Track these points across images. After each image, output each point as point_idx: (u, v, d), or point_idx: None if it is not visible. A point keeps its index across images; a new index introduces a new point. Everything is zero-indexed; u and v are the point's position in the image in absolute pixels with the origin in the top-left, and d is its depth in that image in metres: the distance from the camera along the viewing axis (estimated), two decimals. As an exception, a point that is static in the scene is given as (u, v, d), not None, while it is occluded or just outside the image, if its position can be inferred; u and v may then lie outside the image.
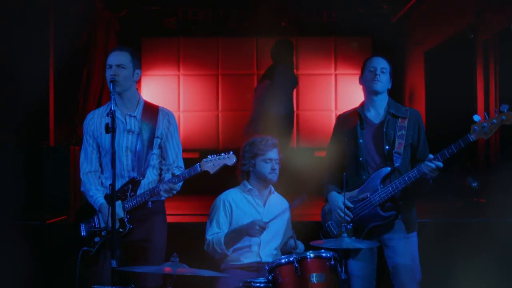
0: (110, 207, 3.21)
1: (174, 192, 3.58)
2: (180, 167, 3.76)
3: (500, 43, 6.40)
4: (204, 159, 3.59)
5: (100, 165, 3.73)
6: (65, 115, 7.34)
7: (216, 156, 3.59)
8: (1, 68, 6.26)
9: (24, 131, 6.39)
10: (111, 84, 3.52)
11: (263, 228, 3.75)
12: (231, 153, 3.61)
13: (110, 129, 3.25)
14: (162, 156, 3.76)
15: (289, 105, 7.98)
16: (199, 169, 3.57)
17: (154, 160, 3.71)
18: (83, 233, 3.65)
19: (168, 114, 3.80)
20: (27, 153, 5.83)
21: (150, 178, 3.69)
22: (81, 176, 3.73)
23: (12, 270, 4.82)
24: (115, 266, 3.15)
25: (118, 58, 3.62)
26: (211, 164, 3.57)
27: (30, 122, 6.49)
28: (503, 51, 6.37)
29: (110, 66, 3.60)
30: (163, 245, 3.74)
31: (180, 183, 3.62)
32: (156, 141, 3.70)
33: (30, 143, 6.31)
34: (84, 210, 3.72)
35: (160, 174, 3.77)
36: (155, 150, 3.71)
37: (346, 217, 3.63)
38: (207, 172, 3.59)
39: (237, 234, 3.83)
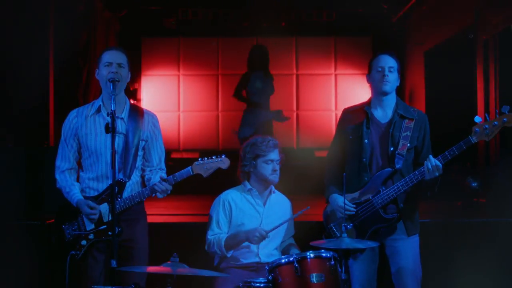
0: (109, 208, 3.20)
1: (168, 192, 3.55)
2: (163, 169, 3.74)
3: (500, 43, 6.39)
4: (196, 162, 3.54)
5: (78, 164, 3.68)
6: (65, 115, 7.33)
7: (208, 159, 3.54)
8: (1, 68, 6.26)
9: (24, 131, 6.39)
10: (111, 84, 3.43)
11: (263, 238, 3.74)
12: (223, 156, 3.57)
13: (110, 129, 3.22)
14: (145, 158, 3.72)
15: (267, 112, 8.04)
16: (191, 172, 3.54)
17: (138, 161, 3.67)
18: (67, 236, 3.57)
19: (153, 117, 3.75)
20: (27, 153, 5.83)
21: (133, 179, 3.65)
22: (56, 175, 3.66)
23: (12, 270, 4.82)
24: (115, 266, 3.14)
25: (118, 57, 3.56)
26: (204, 167, 3.53)
27: (30, 122, 6.49)
28: (503, 51, 6.37)
29: (110, 64, 3.53)
30: (146, 244, 3.72)
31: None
32: (141, 144, 3.66)
33: (30, 143, 6.31)
34: (65, 211, 3.63)
35: (142, 176, 3.74)
36: (140, 152, 3.67)
37: (349, 212, 3.62)
38: (200, 175, 3.56)
39: (238, 239, 3.83)
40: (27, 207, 5.65)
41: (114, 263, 3.14)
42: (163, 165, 3.76)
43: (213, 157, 3.55)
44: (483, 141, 6.29)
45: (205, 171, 3.54)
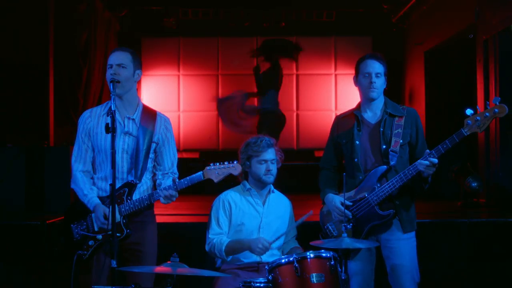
0: (109, 208, 3.19)
1: (174, 199, 3.52)
2: (175, 173, 3.72)
3: (500, 43, 6.40)
4: (208, 167, 3.50)
5: (93, 165, 3.68)
6: (65, 115, 7.35)
7: (220, 164, 3.50)
8: (1, 68, 6.28)
9: (24, 131, 6.40)
10: (111, 84, 3.47)
11: (266, 249, 3.73)
12: (235, 162, 3.52)
13: (110, 129, 3.22)
14: (157, 162, 3.71)
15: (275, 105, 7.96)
16: (202, 177, 3.51)
17: (149, 164, 3.67)
18: (75, 235, 3.57)
19: (166, 120, 3.75)
20: (27, 153, 5.83)
21: (144, 182, 3.64)
22: (74, 172, 3.62)
23: (12, 270, 4.83)
24: (115, 266, 3.14)
25: (118, 58, 3.58)
26: (216, 172, 3.49)
27: (30, 122, 6.50)
28: (503, 51, 6.37)
29: (111, 66, 3.55)
30: (155, 248, 3.71)
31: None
32: (153, 146, 3.66)
33: (30, 143, 6.32)
34: (75, 210, 3.63)
35: (154, 180, 3.72)
36: (151, 155, 3.66)
37: (346, 217, 3.62)
38: (211, 180, 3.51)
39: (239, 247, 3.81)
40: (27, 207, 5.67)
41: (114, 263, 3.14)
42: (175, 170, 3.73)
43: (225, 163, 3.50)
44: (483, 141, 6.34)
45: (217, 176, 3.49)
